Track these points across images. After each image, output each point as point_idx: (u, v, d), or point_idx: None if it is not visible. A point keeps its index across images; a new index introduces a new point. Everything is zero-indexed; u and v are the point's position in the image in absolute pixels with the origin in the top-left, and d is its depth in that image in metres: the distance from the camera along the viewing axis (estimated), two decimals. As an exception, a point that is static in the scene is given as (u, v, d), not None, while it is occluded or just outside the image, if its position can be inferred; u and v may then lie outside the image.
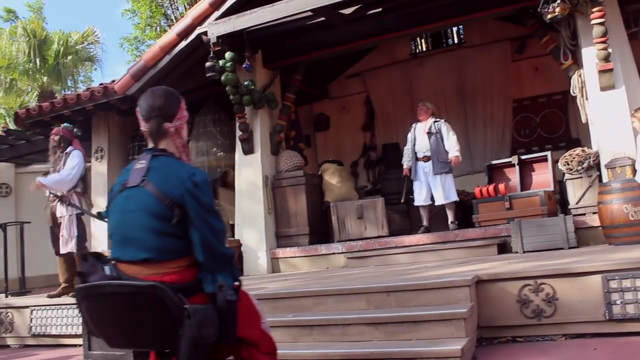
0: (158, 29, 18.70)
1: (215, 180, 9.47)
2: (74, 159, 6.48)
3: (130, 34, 20.03)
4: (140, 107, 2.41)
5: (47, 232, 7.64)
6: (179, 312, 2.08)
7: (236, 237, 8.06)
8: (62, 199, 6.45)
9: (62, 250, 6.48)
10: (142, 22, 18.94)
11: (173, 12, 18.10)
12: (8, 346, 6.96)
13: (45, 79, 16.71)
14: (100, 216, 6.54)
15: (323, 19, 7.60)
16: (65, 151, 6.59)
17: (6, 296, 7.95)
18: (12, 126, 15.33)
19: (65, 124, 7.07)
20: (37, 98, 17.14)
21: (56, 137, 6.69)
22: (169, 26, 18.36)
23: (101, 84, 10.03)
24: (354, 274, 5.76)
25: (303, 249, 7.67)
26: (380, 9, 7.70)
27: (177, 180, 2.21)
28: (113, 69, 47.74)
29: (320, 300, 4.32)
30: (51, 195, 6.63)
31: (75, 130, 6.85)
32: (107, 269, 2.28)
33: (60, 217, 6.51)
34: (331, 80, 10.89)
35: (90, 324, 2.27)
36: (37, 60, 16.17)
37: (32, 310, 6.72)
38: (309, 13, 7.37)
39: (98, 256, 2.37)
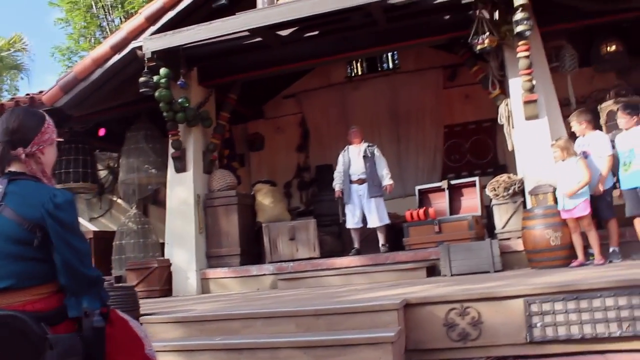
0: (92, 41, 18.20)
1: (146, 198, 9.28)
2: None
3: (62, 44, 19.43)
4: None
5: None
6: (40, 343, 1.98)
7: (166, 256, 7.89)
8: None
9: None
10: (76, 32, 18.42)
11: (108, 24, 17.70)
12: None
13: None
14: None
15: (260, 39, 7.61)
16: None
17: None
18: None
19: None
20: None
21: None
22: (104, 38, 17.92)
23: (27, 94, 9.69)
24: (284, 296, 5.72)
25: (234, 270, 7.58)
26: (317, 32, 7.78)
27: (37, 202, 2.10)
28: (43, 78, 46.11)
29: (249, 323, 4.25)
30: None
31: None
32: None
33: None
34: (267, 100, 10.90)
35: None
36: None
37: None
38: (246, 33, 7.36)
39: None
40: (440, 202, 7.61)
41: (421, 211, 7.27)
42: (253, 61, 8.19)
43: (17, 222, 2.08)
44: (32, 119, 2.31)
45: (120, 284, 5.75)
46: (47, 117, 2.35)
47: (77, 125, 9.39)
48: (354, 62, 10.64)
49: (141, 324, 4.51)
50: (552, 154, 5.98)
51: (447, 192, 7.55)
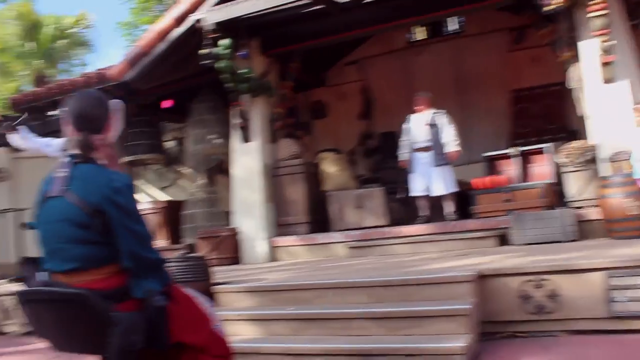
0: (153, 14, 18.52)
1: (213, 167, 9.43)
2: None
3: (125, 18, 19.86)
4: (69, 112, 2.32)
5: None
6: (105, 319, 2.07)
7: (233, 225, 8.04)
8: None
9: None
10: (138, 6, 18.77)
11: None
12: (7, 333, 6.94)
13: (38, 62, 16.57)
14: (25, 226, 6.32)
15: (319, 7, 7.51)
16: None
17: (8, 281, 7.92)
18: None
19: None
20: (30, 81, 16.99)
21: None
22: (165, 10, 18.19)
23: (97, 70, 9.94)
24: (354, 266, 5.75)
25: (302, 238, 7.66)
26: (377, -2, 7.62)
27: (96, 187, 2.16)
28: (108, 51, 47.26)
29: (321, 294, 4.31)
30: None
31: None
32: (44, 275, 2.26)
33: None
34: (329, 67, 10.81)
35: (33, 327, 2.27)
36: (30, 43, 16.03)
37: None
38: (306, 1, 7.28)
39: (36, 261, 2.34)
40: (509, 170, 7.42)
41: (490, 179, 7.11)
42: (313, 29, 8.10)
43: (79, 206, 2.14)
44: (105, 106, 2.38)
45: (191, 254, 5.90)
46: (111, 104, 2.41)
47: (143, 98, 9.59)
48: (416, 27, 10.36)
49: (212, 294, 4.67)
50: (631, 118, 5.70)
51: (516, 159, 7.34)
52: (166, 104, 9.93)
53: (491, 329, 3.96)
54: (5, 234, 8.24)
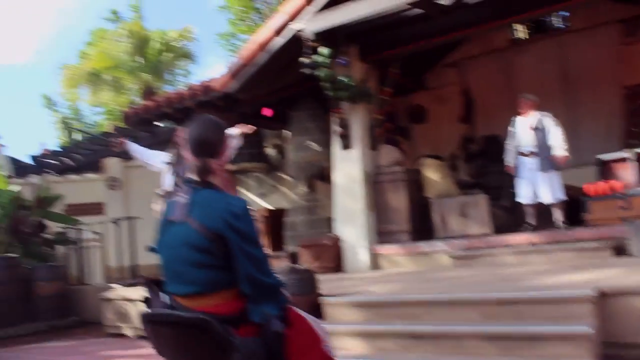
0: (251, 23, 19.05)
1: (313, 174, 9.52)
2: None
3: (224, 29, 20.57)
4: (188, 137, 2.39)
5: (151, 223, 7.94)
6: (226, 345, 2.10)
7: (335, 232, 8.08)
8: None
9: None
10: (235, 17, 19.35)
11: (266, 5, 18.33)
12: (125, 336, 7.35)
13: (146, 76, 17.47)
14: (149, 250, 6.51)
15: (420, 10, 7.41)
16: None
17: (122, 286, 8.38)
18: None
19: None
20: (139, 94, 17.95)
21: (181, 134, 6.76)
22: (261, 20, 18.66)
23: (201, 82, 10.32)
24: (460, 278, 5.60)
25: (404, 246, 7.58)
26: (482, -2, 7.41)
27: (216, 212, 2.20)
28: (207, 61, 49.17)
29: (430, 309, 4.23)
30: (166, 191, 6.72)
31: None
32: (166, 298, 2.33)
33: None
34: (427, 70, 10.65)
35: (154, 346, 2.33)
36: (139, 59, 16.95)
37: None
38: (405, 6, 7.20)
39: (159, 283, 2.41)
40: (625, 174, 6.98)
41: (605, 184, 6.71)
42: (413, 33, 7.99)
43: (200, 231, 2.19)
44: (222, 131, 2.44)
45: (298, 266, 5.96)
46: (225, 128, 2.46)
47: (245, 107, 9.85)
48: (517, 25, 9.99)
49: (319, 307, 4.70)
50: None
51: (633, 162, 6.89)
52: (266, 112, 10.14)
53: (613, 351, 3.72)
54: (119, 240, 8.70)
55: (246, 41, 19.42)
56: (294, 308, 2.39)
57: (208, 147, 2.36)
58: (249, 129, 6.04)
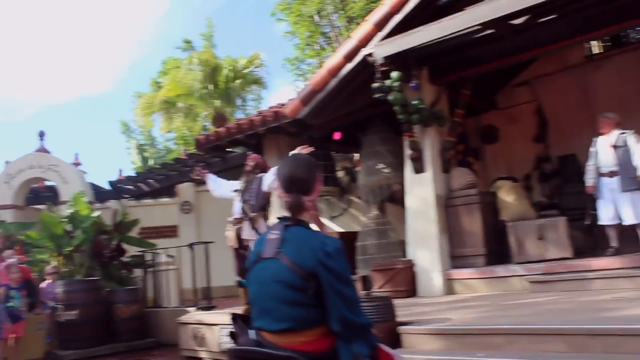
0: (317, 47, 19.32)
1: (384, 198, 9.47)
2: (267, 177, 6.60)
3: (291, 54, 20.96)
4: (280, 174, 2.43)
5: (222, 246, 8.12)
6: None
7: (408, 256, 7.99)
8: (252, 222, 6.62)
9: None
10: (302, 42, 19.68)
11: (332, 30, 18.54)
12: (201, 359, 7.47)
13: (217, 102, 17.95)
14: (240, 284, 6.53)
15: (491, 31, 7.32)
16: (258, 175, 6.75)
17: (196, 310, 8.55)
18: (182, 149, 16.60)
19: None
20: (211, 121, 18.45)
21: (252, 163, 6.88)
22: (327, 44, 18.90)
23: (271, 107, 10.51)
24: (541, 305, 5.41)
25: (479, 271, 7.41)
26: (554, 16, 7.26)
27: (309, 251, 2.20)
28: (275, 85, 50.20)
29: (513, 339, 4.09)
30: (236, 217, 6.80)
31: None
32: (252, 334, 2.33)
33: (248, 240, 6.52)
34: (498, 90, 10.46)
35: None
36: (210, 86, 17.45)
37: (220, 328, 7.13)
38: (477, 27, 7.14)
39: (246, 319, 2.42)
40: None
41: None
42: (484, 54, 7.90)
43: (292, 269, 2.20)
44: (314, 169, 2.46)
45: (377, 294, 5.91)
46: (315, 162, 2.49)
47: (315, 132, 9.94)
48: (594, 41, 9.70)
49: (398, 335, 4.63)
50: None
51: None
52: (336, 136, 10.20)
53: None
54: (193, 263, 8.89)
55: (313, 66, 19.81)
56: (383, 346, 2.37)
57: (300, 184, 2.39)
58: (308, 150, 6.06)
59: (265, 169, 6.84)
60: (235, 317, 2.45)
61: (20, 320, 7.90)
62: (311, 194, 2.42)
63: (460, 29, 7.08)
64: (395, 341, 4.61)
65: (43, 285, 9.55)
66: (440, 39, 7.27)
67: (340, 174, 11.51)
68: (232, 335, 2.42)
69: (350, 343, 2.18)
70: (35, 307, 9.07)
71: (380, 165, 9.01)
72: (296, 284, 2.19)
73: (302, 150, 6.05)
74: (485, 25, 7.05)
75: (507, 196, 7.90)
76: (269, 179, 6.54)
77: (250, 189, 6.66)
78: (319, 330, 2.22)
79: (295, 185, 2.38)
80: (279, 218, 2.42)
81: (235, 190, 6.86)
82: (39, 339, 9.11)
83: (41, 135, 14.38)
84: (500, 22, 7.04)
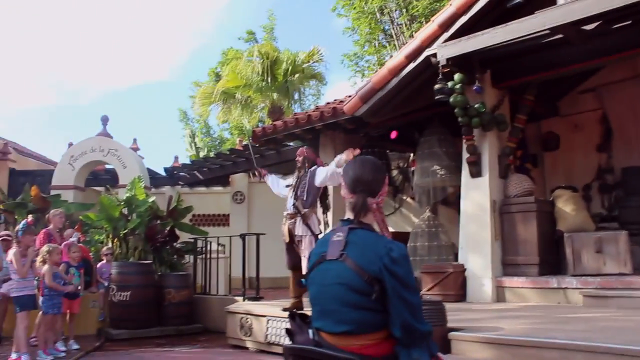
0: (376, 45, 19.22)
1: (437, 200, 9.38)
2: (321, 170, 6.62)
3: (350, 50, 20.89)
4: (346, 176, 2.42)
5: (271, 237, 8.26)
6: None
7: (459, 261, 7.89)
8: (303, 219, 6.66)
9: (304, 270, 6.47)
10: (362, 38, 19.61)
11: (393, 28, 18.41)
12: (247, 349, 7.57)
13: (275, 95, 18.08)
14: (300, 284, 6.51)
15: (560, 36, 7.13)
16: (309, 169, 6.73)
17: (244, 300, 8.67)
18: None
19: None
20: (267, 113, 18.61)
21: (300, 158, 6.95)
22: (387, 42, 18.79)
23: (328, 103, 10.53)
24: (597, 321, 5.26)
25: (532, 280, 7.25)
26: (628, 22, 7.01)
27: (374, 255, 2.17)
28: (331, 81, 50.34)
29: (568, 355, 3.99)
30: (289, 213, 6.86)
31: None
32: (310, 333, 2.33)
33: (301, 236, 6.62)
34: (562, 96, 10.17)
35: None
36: (269, 79, 17.58)
37: (268, 320, 7.20)
38: (546, 31, 6.96)
39: (304, 317, 2.42)
40: None
41: None
42: (550, 59, 7.71)
43: (357, 272, 2.18)
44: (380, 171, 2.45)
45: (430, 298, 5.85)
46: (383, 166, 2.48)
47: (372, 130, 9.91)
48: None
49: (448, 341, 4.58)
50: None
51: None
52: (393, 135, 10.15)
53: None
54: (243, 252, 9.00)
55: (372, 63, 19.73)
56: (440, 355, 2.35)
57: (365, 185, 2.38)
58: (355, 153, 6.04)
59: (315, 162, 6.87)
60: (293, 315, 2.45)
61: (77, 298, 8.17)
62: (377, 196, 2.41)
63: (528, 33, 6.93)
64: (446, 347, 4.57)
65: (99, 265, 9.85)
66: (506, 43, 7.13)
67: (394, 173, 11.44)
68: (289, 332, 2.42)
69: (410, 349, 2.16)
70: (90, 286, 9.37)
71: (436, 167, 8.91)
72: (360, 287, 2.18)
73: (350, 153, 6.06)
74: (555, 30, 6.88)
75: (566, 206, 7.70)
76: (321, 175, 6.57)
77: (301, 185, 6.71)
78: (380, 334, 2.21)
79: (361, 186, 2.37)
80: (342, 220, 2.41)
81: (288, 186, 6.93)
82: (93, 317, 9.43)
83: (104, 120, 14.81)
84: (571, 27, 6.85)
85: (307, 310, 2.62)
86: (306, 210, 6.61)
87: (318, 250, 2.40)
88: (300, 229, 6.60)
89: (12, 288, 6.97)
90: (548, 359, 4.07)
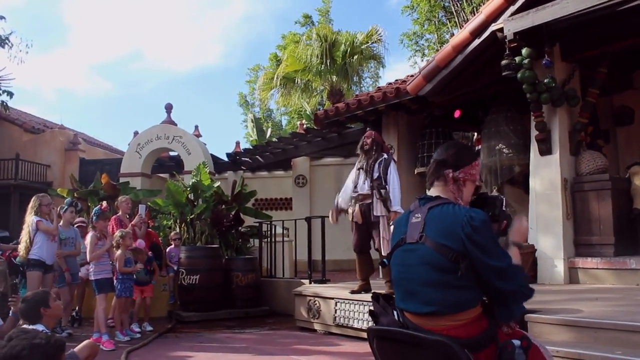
0: (436, 22, 18.83)
1: (504, 180, 9.13)
2: (392, 175, 6.61)
3: (409, 29, 20.55)
4: (440, 148, 2.49)
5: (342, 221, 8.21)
6: None
7: (530, 241, 7.67)
8: (383, 199, 6.56)
9: (384, 252, 6.44)
10: (421, 16, 19.25)
11: (453, 4, 17.96)
12: (315, 331, 7.62)
13: (334, 78, 18.00)
14: (382, 264, 6.38)
15: (637, 3, 6.73)
16: (378, 159, 6.70)
17: (310, 282, 8.71)
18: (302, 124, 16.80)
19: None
20: (327, 96, 18.56)
21: (369, 140, 6.89)
22: (448, 20, 18.37)
23: (390, 84, 10.37)
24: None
25: (608, 261, 6.98)
26: None
27: (455, 227, 2.15)
28: (388, 62, 49.71)
29: (655, 338, 3.81)
30: (361, 194, 6.78)
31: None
32: (395, 314, 2.30)
33: (378, 216, 6.55)
34: (636, 68, 9.66)
35: None
36: (327, 61, 17.51)
37: (336, 302, 7.23)
38: (621, -1, 6.60)
39: (388, 299, 2.39)
40: None
41: None
42: (625, 28, 7.27)
43: (440, 252, 2.15)
44: (468, 153, 2.46)
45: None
46: (479, 158, 2.42)
47: (436, 109, 9.72)
48: None
49: (525, 323, 4.46)
50: None
51: None
52: (457, 114, 9.94)
53: None
54: (308, 235, 9.01)
55: (432, 41, 19.37)
56: (532, 338, 2.28)
57: (448, 155, 2.41)
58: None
59: (382, 146, 6.85)
60: (377, 296, 2.43)
61: (148, 285, 8.46)
62: (457, 170, 2.37)
63: (602, 1, 6.56)
64: (522, 329, 4.44)
65: (167, 249, 10.10)
66: (579, 13, 6.79)
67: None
68: (373, 314, 2.40)
69: (506, 305, 2.19)
70: (161, 270, 9.62)
71: (502, 146, 8.67)
72: (445, 266, 2.15)
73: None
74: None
75: (643, 183, 7.35)
76: (392, 176, 6.56)
77: (376, 167, 6.66)
78: (467, 314, 2.17)
79: (442, 155, 2.43)
80: (420, 199, 2.37)
81: (359, 169, 6.88)
82: (164, 300, 9.69)
83: (168, 108, 15.08)
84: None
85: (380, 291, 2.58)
86: (383, 191, 6.58)
87: (398, 231, 2.37)
88: (378, 209, 6.55)
89: (90, 271, 7.25)
90: (634, 343, 3.89)
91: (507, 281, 2.15)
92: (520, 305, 2.20)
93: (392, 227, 6.30)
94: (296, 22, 25.37)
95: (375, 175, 6.64)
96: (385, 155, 6.77)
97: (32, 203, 7.44)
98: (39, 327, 3.49)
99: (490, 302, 2.25)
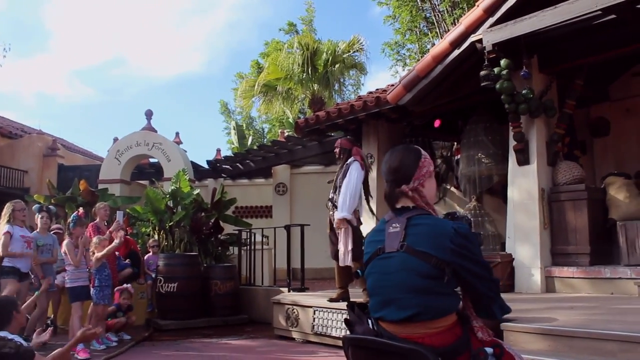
0: (417, 32, 18.97)
1: (483, 190, 9.21)
2: (350, 174, 6.45)
3: (391, 39, 20.69)
4: (383, 166, 2.43)
5: (314, 228, 8.43)
6: None
7: (507, 250, 7.74)
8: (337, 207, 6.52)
9: (340, 263, 6.52)
10: (403, 26, 19.38)
11: (435, 15, 18.13)
12: (293, 339, 7.59)
13: (315, 86, 18.04)
14: (356, 275, 6.36)
15: (613, 16, 6.86)
16: (346, 162, 6.64)
17: (289, 290, 8.68)
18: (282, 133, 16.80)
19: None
20: (308, 104, 18.59)
21: (337, 150, 6.89)
22: (429, 30, 18.53)
23: (370, 93, 10.44)
24: (657, 311, 5.09)
25: (583, 270, 7.05)
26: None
27: (441, 237, 2.15)
28: (370, 71, 50.01)
29: (627, 347, 3.85)
30: (330, 204, 6.81)
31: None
32: (370, 323, 2.29)
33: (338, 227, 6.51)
34: (612, 80, 9.83)
35: None
36: (309, 70, 17.55)
37: (314, 311, 7.22)
38: (597, 12, 6.71)
39: (363, 307, 2.38)
40: None
41: None
42: (601, 41, 7.41)
43: (422, 259, 2.15)
44: (409, 156, 2.40)
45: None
46: (423, 152, 2.42)
47: (416, 119, 9.78)
48: None
49: (500, 332, 4.49)
50: None
51: None
52: (436, 123, 10.00)
53: None
54: (287, 243, 8.99)
55: (413, 51, 19.50)
56: (506, 346, 2.29)
57: (393, 174, 2.38)
58: None
59: (351, 150, 6.73)
60: (352, 305, 2.42)
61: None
62: (411, 181, 2.34)
63: (578, 15, 6.66)
64: (497, 338, 4.47)
65: (146, 257, 10.01)
66: (555, 25, 6.90)
67: (437, 162, 11.29)
68: (348, 322, 2.39)
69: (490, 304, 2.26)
70: (139, 277, 9.54)
71: (482, 155, 8.74)
72: (429, 272, 2.14)
73: None
74: (608, 10, 6.61)
75: (618, 193, 7.44)
76: (350, 176, 6.43)
77: (340, 177, 6.64)
78: (442, 321, 2.17)
79: (389, 176, 2.39)
80: (395, 209, 2.36)
81: (329, 182, 6.90)
82: (142, 308, 9.60)
83: (148, 114, 15.00)
84: (626, 7, 6.56)
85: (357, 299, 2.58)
86: (336, 197, 6.58)
87: (373, 239, 2.36)
88: (335, 218, 6.55)
89: (66, 279, 7.16)
90: (607, 351, 3.93)
91: (492, 289, 2.24)
92: (503, 304, 2.28)
93: (345, 235, 6.31)
94: (280, 30, 25.54)
95: (338, 183, 6.63)
96: (351, 159, 6.64)
97: (5, 210, 7.34)
98: (3, 334, 3.44)
99: (472, 303, 2.27)
